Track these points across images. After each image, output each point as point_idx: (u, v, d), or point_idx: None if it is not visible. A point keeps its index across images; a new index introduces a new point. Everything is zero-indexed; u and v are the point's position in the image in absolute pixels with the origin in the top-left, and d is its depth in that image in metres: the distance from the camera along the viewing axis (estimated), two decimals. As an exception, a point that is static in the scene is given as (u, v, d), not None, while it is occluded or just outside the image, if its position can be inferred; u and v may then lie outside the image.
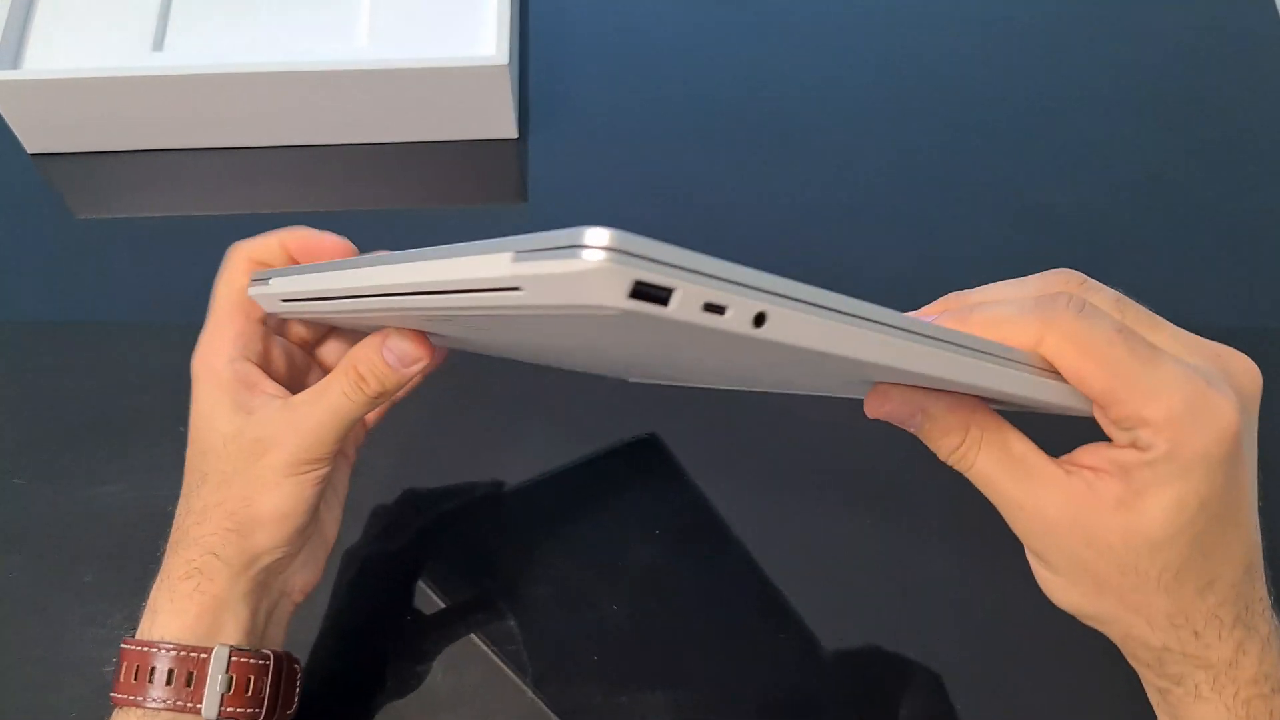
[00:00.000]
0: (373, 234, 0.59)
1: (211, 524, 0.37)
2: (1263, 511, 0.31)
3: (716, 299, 0.21)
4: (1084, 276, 0.31)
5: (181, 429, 0.39)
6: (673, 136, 0.63)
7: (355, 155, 0.62)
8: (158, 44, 0.61)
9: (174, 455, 0.52)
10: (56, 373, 0.55)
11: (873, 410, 0.31)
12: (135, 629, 0.37)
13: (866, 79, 0.66)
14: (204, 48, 0.61)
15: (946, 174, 0.62)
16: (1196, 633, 0.30)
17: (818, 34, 0.67)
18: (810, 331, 0.23)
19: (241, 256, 0.39)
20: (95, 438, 0.52)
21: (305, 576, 0.41)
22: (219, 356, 0.38)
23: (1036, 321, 0.29)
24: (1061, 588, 0.31)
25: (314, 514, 0.38)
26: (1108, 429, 0.30)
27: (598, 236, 0.20)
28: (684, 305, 0.21)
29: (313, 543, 0.41)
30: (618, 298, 0.20)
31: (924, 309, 0.33)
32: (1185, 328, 0.32)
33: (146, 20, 0.62)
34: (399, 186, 0.61)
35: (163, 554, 0.38)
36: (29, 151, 0.61)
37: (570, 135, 0.63)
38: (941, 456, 0.31)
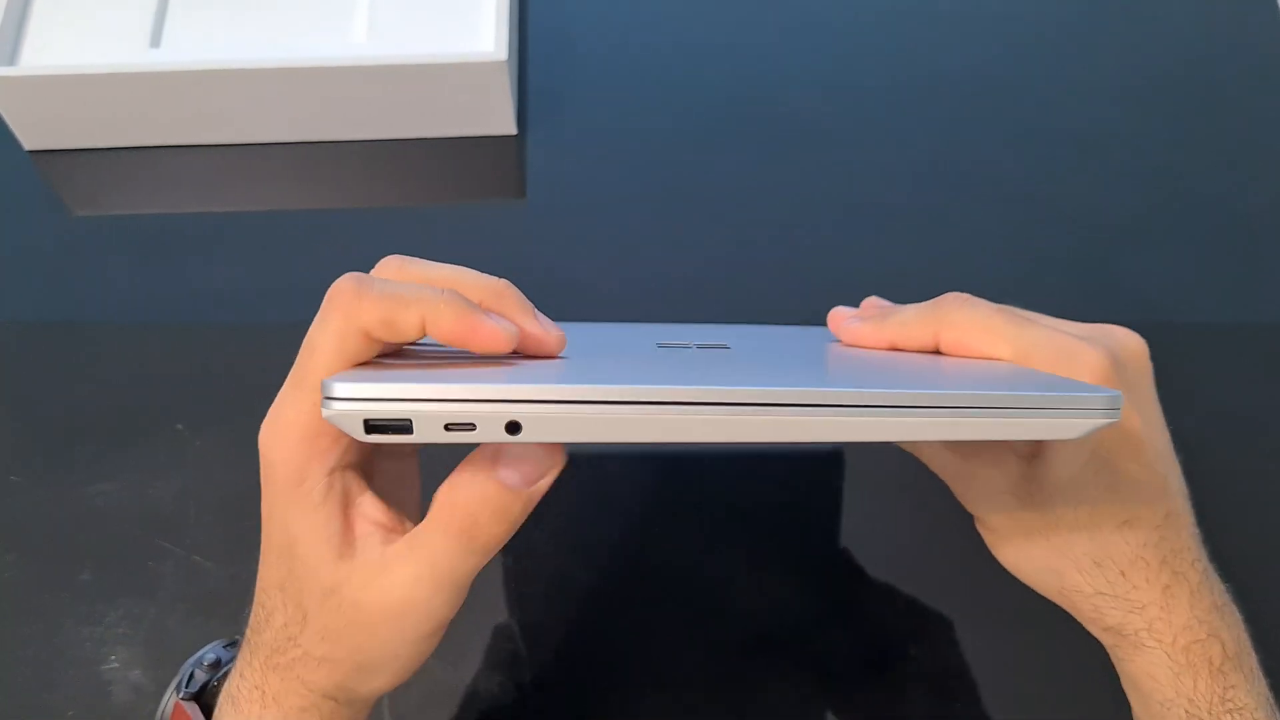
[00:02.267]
0: (372, 231, 0.59)
1: (323, 674, 0.30)
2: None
3: (459, 417, 0.23)
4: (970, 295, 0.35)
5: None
6: (672, 133, 0.63)
7: (353, 152, 0.61)
8: (155, 40, 0.61)
9: (171, 454, 0.52)
10: (55, 371, 0.54)
11: None
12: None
13: (868, 75, 0.65)
14: (201, 44, 0.61)
15: (949, 171, 0.62)
16: (1123, 573, 0.33)
17: (819, 29, 0.67)
18: (566, 428, 0.23)
19: (358, 316, 0.27)
20: (92, 436, 0.52)
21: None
22: (315, 463, 0.28)
23: (933, 316, 0.34)
24: (1005, 549, 0.35)
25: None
26: None
27: (328, 388, 0.23)
28: (426, 429, 0.23)
29: None
30: (358, 433, 0.23)
31: (848, 310, 0.37)
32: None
33: (144, 16, 0.61)
34: (397, 183, 0.61)
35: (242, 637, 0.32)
36: (26, 148, 0.61)
37: (569, 132, 0.63)
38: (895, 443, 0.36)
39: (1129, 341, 0.34)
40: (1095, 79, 0.65)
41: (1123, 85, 0.65)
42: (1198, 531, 0.34)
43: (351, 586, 0.29)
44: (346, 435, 0.26)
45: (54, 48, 0.60)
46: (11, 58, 0.60)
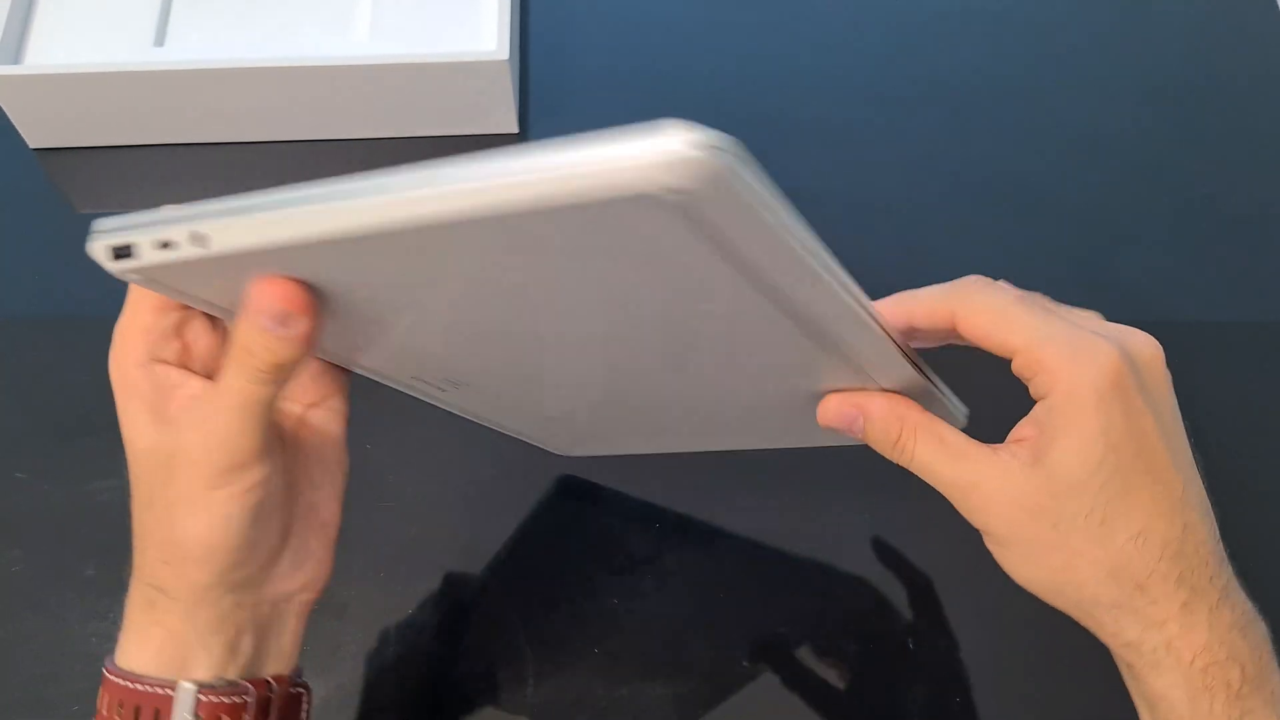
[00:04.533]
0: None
1: (148, 555, 0.33)
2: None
3: (165, 237, 0.26)
4: (995, 280, 0.34)
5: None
6: (674, 132, 0.63)
7: (356, 151, 0.62)
8: (159, 39, 0.61)
9: (175, 450, 0.52)
10: (59, 367, 0.55)
11: (822, 417, 0.34)
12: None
13: (869, 72, 0.65)
14: (205, 43, 0.61)
15: (949, 167, 0.62)
16: (1140, 586, 0.31)
17: (821, 27, 0.67)
18: (242, 235, 0.25)
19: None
20: (95, 432, 0.52)
21: (302, 577, 0.35)
22: (128, 359, 0.34)
23: (951, 295, 0.34)
24: (1015, 562, 0.33)
25: (256, 531, 0.32)
26: (1026, 381, 0.33)
27: (93, 227, 0.27)
28: (144, 252, 0.26)
29: (301, 539, 0.35)
30: (107, 263, 0.28)
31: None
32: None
33: (148, 15, 0.62)
34: (400, 181, 0.61)
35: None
36: (31, 146, 0.61)
37: (570, 131, 0.62)
38: (884, 452, 0.34)
39: (1146, 346, 0.33)
40: (1096, 78, 0.65)
41: (1123, 84, 0.65)
42: (1221, 547, 0.33)
43: (167, 438, 0.32)
44: (152, 325, 0.34)
45: (59, 46, 0.61)
46: (16, 56, 0.60)
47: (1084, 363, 0.31)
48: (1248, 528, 0.50)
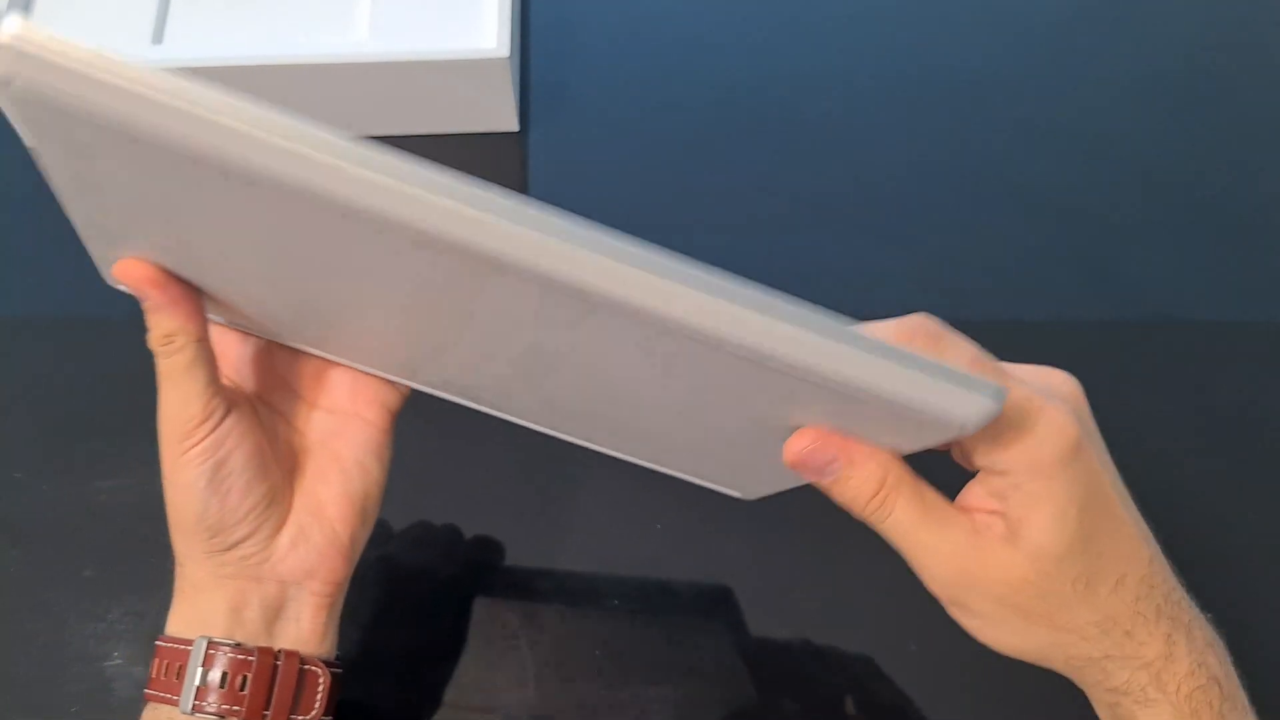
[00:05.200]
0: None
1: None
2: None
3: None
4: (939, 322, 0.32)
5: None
6: (675, 129, 0.63)
7: (356, 149, 0.61)
8: (157, 36, 0.61)
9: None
10: (58, 367, 0.54)
11: (791, 451, 0.31)
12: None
13: (871, 71, 0.65)
14: (204, 40, 0.61)
15: (951, 169, 0.62)
16: (1128, 633, 0.32)
17: (823, 25, 0.67)
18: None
19: None
20: (96, 432, 0.52)
21: (302, 562, 0.37)
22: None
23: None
24: (995, 632, 0.33)
25: (220, 497, 0.35)
26: (965, 460, 0.31)
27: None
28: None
29: (302, 525, 0.37)
30: None
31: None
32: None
33: (146, 12, 0.61)
34: (400, 180, 0.61)
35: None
36: (29, 145, 0.61)
37: (572, 128, 0.63)
38: (857, 509, 0.32)
39: (1073, 388, 0.32)
40: (1097, 77, 0.65)
41: (1124, 83, 0.65)
42: (1170, 565, 0.33)
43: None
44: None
45: (57, 44, 0.60)
46: (14, 54, 0.60)
47: (1045, 438, 0.30)
48: (1248, 528, 0.51)
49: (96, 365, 0.55)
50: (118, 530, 0.50)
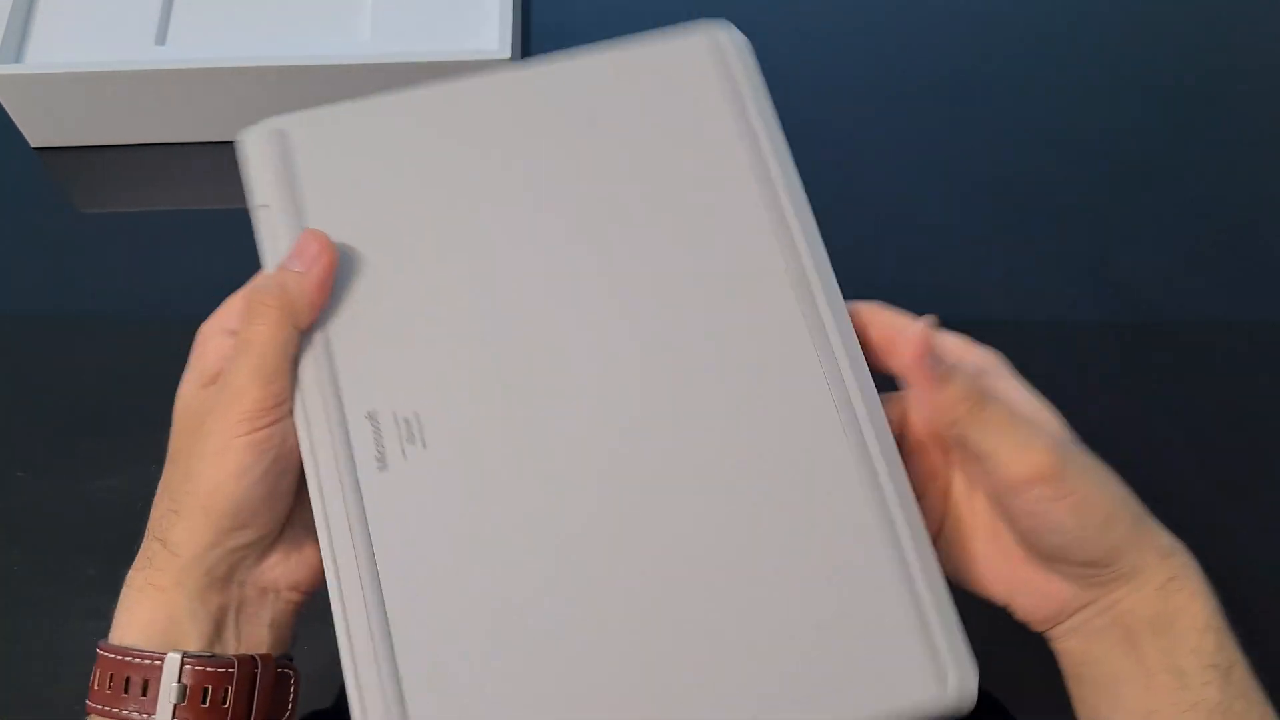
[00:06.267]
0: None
1: (161, 507, 0.34)
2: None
3: None
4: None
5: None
6: (675, 132, 0.63)
7: (357, 150, 0.62)
8: (160, 38, 0.61)
9: (176, 449, 0.52)
10: (60, 366, 0.55)
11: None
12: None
13: (871, 70, 0.65)
14: (207, 41, 0.61)
15: (950, 167, 0.62)
16: (1138, 515, 0.35)
17: (821, 26, 0.67)
18: None
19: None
20: (98, 431, 0.52)
21: (291, 574, 0.36)
22: (215, 323, 0.37)
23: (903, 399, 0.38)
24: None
25: (265, 490, 0.33)
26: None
27: None
28: None
29: (297, 540, 0.36)
30: None
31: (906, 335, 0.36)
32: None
33: (149, 14, 0.62)
34: (401, 181, 0.61)
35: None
36: (32, 145, 0.61)
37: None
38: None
39: (997, 361, 0.37)
40: (1097, 78, 0.65)
41: (1124, 84, 0.65)
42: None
43: (202, 397, 0.35)
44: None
45: (60, 45, 0.61)
46: (17, 55, 0.60)
47: (1031, 450, 0.33)
48: (1248, 528, 0.50)
49: (98, 364, 0.55)
50: (120, 529, 0.49)
